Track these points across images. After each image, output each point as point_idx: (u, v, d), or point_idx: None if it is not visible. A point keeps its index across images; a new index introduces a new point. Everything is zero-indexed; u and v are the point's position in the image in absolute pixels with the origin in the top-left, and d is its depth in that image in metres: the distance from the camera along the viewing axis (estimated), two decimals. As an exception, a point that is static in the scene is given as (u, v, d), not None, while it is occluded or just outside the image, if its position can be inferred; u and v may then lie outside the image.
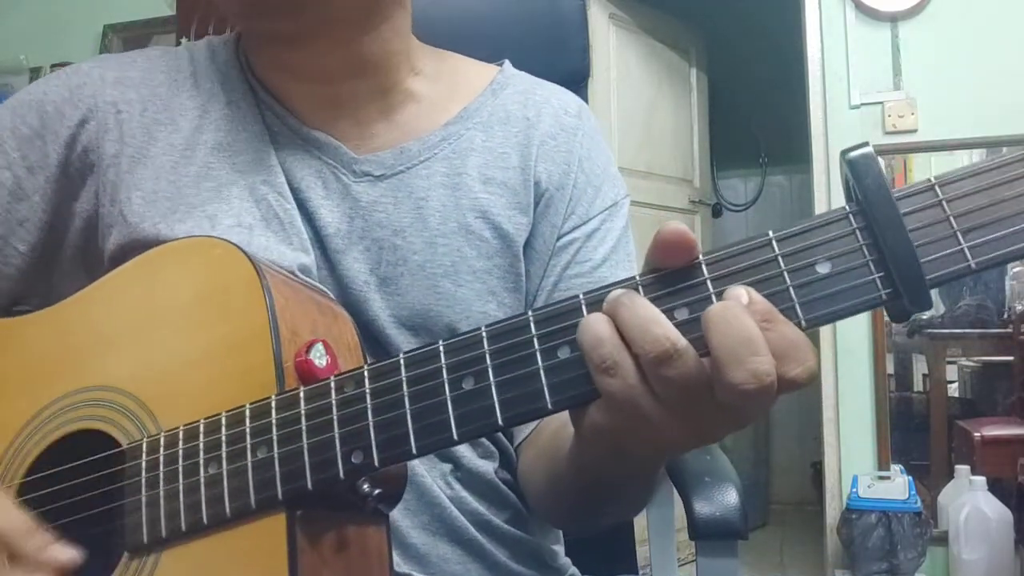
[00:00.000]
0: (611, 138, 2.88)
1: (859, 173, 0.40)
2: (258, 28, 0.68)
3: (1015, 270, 2.61)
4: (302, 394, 0.48)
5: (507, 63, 0.77)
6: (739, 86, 3.83)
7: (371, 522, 0.53)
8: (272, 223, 0.64)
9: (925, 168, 2.63)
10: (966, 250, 0.38)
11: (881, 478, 2.46)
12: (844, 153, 0.41)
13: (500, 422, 0.43)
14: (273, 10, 0.62)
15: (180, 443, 0.50)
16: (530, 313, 0.44)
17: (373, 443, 0.46)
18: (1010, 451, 2.35)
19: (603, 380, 0.41)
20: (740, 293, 0.40)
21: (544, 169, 0.71)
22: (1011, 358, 2.61)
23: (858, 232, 0.40)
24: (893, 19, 2.59)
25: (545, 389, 0.43)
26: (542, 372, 0.43)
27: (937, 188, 0.39)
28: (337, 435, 0.46)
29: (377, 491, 0.48)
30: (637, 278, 0.43)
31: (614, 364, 0.40)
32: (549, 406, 0.43)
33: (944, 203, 0.39)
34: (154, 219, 0.64)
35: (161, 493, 0.50)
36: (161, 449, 0.51)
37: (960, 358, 2.77)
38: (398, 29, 0.69)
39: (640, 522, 0.98)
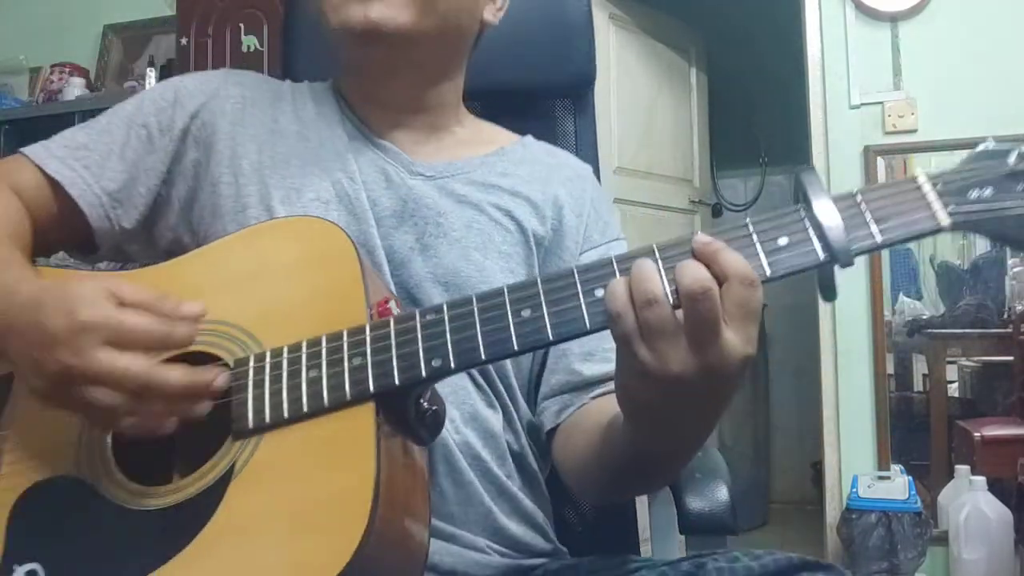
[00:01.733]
0: (611, 138, 2.89)
1: (806, 183, 0.59)
2: (355, 56, 0.87)
3: (1015, 270, 2.61)
4: (392, 319, 0.61)
5: (529, 136, 0.97)
6: (739, 86, 3.83)
7: (417, 446, 0.65)
8: (344, 200, 0.82)
9: (925, 168, 2.62)
10: (875, 232, 0.57)
11: (881, 478, 2.46)
12: (796, 169, 0.60)
13: (551, 338, 0.58)
14: (373, 44, 0.82)
15: (284, 354, 0.62)
16: (575, 265, 0.60)
17: (450, 351, 0.59)
18: (1010, 451, 2.35)
19: (613, 326, 0.56)
20: (701, 237, 0.57)
21: (565, 196, 0.90)
22: (1011, 358, 2.60)
23: (806, 220, 0.58)
24: (893, 19, 2.59)
25: (585, 316, 0.58)
26: (583, 305, 0.58)
27: (858, 195, 0.58)
28: (421, 347, 0.60)
29: (434, 407, 0.62)
30: (655, 245, 0.58)
31: (619, 314, 0.56)
32: (588, 327, 0.58)
33: (862, 203, 0.58)
34: (257, 183, 0.83)
35: (267, 390, 0.61)
36: (268, 358, 0.63)
37: (960, 358, 2.78)
38: (455, 87, 0.92)
39: (643, 521, 0.99)
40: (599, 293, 0.58)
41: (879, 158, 2.59)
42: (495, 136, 0.95)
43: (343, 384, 0.59)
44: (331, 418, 0.59)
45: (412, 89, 0.88)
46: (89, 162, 0.83)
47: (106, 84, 3.15)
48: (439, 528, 0.74)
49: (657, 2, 3.24)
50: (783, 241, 0.57)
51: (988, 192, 0.57)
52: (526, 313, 0.59)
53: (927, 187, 0.58)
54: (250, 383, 0.62)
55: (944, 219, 0.57)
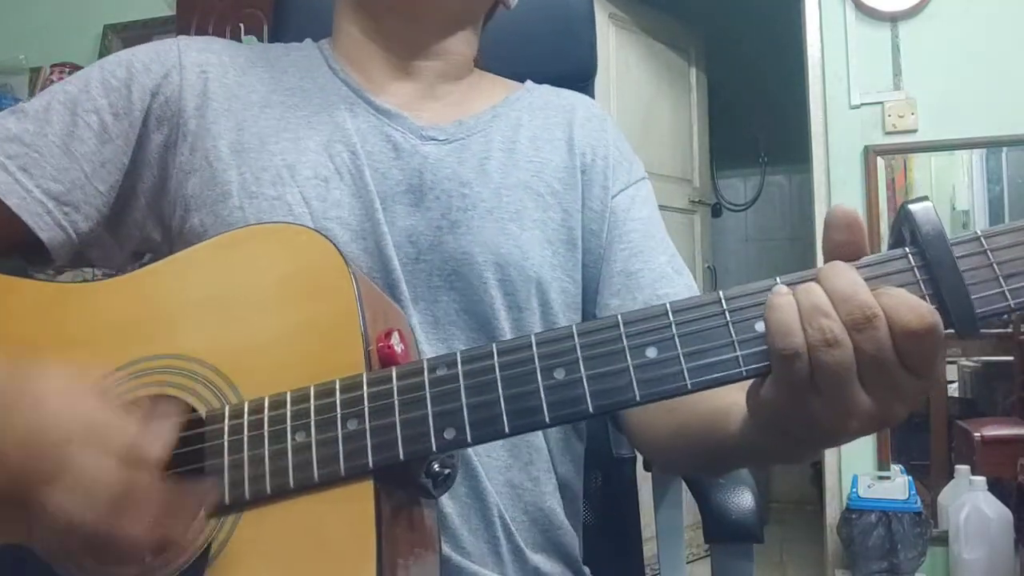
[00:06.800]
0: (611, 138, 2.88)
1: (920, 221, 0.47)
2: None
3: (1015, 270, 2.61)
4: (395, 372, 0.51)
5: (528, 80, 0.88)
6: (739, 86, 3.83)
7: (425, 504, 0.57)
8: (345, 177, 0.71)
9: (925, 168, 2.63)
10: (1006, 291, 0.46)
11: (881, 478, 2.46)
12: (905, 204, 0.48)
13: (591, 411, 0.48)
14: None
15: (265, 411, 0.52)
16: (619, 316, 0.49)
17: (466, 421, 0.49)
18: (1010, 451, 2.35)
19: (783, 366, 0.46)
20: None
21: (587, 143, 0.81)
22: (1011, 358, 2.60)
23: (916, 269, 0.47)
24: (893, 19, 2.59)
25: (634, 384, 0.48)
26: (631, 369, 0.48)
27: (983, 239, 0.47)
28: (431, 412, 0.50)
29: (447, 471, 0.52)
30: (777, 278, 0.48)
31: (797, 353, 0.45)
32: (636, 397, 0.48)
33: (988, 252, 0.46)
34: (239, 167, 0.71)
35: (245, 457, 0.51)
36: (245, 415, 0.52)
37: (960, 358, 2.77)
38: (471, 38, 0.82)
39: (647, 519, 0.99)
40: (651, 353, 0.48)
41: (879, 158, 2.59)
42: (494, 84, 0.86)
43: (336, 456, 0.50)
44: (322, 497, 0.50)
45: (432, 26, 0.78)
46: (25, 161, 0.69)
47: (106, 84, 3.15)
48: (458, 563, 0.67)
49: (657, 2, 3.24)
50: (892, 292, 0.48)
51: None
52: (559, 375, 0.49)
53: None
54: (226, 446, 0.52)
55: None
